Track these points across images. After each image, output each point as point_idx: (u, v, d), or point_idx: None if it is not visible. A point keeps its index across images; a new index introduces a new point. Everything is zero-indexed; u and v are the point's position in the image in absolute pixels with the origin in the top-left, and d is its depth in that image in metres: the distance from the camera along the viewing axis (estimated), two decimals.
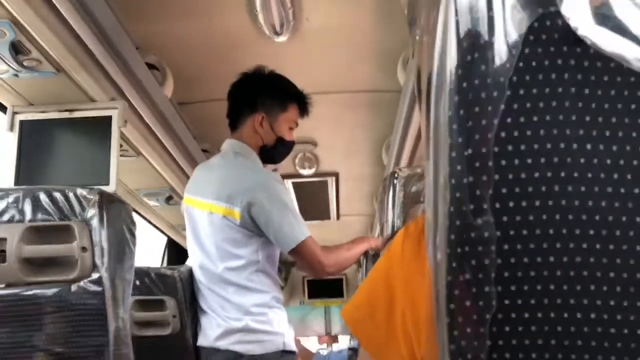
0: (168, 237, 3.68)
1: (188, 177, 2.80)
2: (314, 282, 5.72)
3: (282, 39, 2.20)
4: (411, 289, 0.62)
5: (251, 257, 1.86)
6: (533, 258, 0.46)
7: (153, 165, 2.54)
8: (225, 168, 1.95)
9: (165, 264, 3.73)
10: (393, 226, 1.35)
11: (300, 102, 2.06)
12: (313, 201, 3.92)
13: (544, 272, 0.46)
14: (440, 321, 0.47)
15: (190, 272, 1.97)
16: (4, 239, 1.25)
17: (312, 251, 1.87)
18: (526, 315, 0.46)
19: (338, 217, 4.32)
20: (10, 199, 1.29)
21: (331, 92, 2.69)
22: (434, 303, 0.48)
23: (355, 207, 4.24)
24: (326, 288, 5.74)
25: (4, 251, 1.24)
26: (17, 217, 1.29)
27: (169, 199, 3.01)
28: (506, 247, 0.46)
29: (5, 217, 1.29)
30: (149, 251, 3.71)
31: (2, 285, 1.27)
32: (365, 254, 2.00)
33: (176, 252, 3.72)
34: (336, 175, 3.69)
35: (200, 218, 1.93)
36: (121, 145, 2.08)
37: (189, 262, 2.04)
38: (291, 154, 3.32)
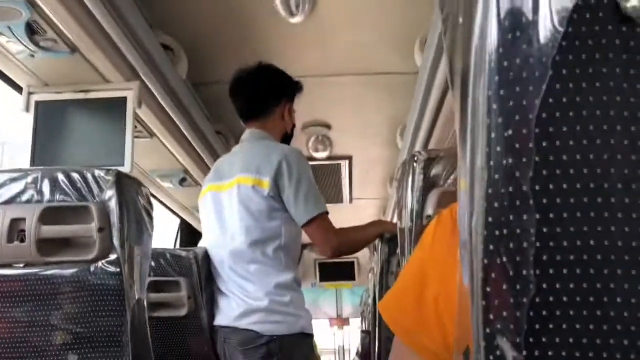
0: (181, 219, 3.70)
1: (202, 159, 2.81)
2: (326, 264, 5.73)
3: (297, 19, 2.18)
4: (444, 275, 0.62)
5: (275, 230, 1.89)
6: (573, 242, 0.45)
7: (167, 147, 2.54)
8: (250, 149, 2.01)
9: (177, 246, 3.75)
10: (412, 210, 1.35)
11: (298, 90, 2.13)
12: (326, 184, 3.91)
13: (583, 256, 0.45)
14: (476, 304, 0.46)
15: (205, 254, 1.98)
16: (23, 219, 1.25)
17: (326, 228, 1.91)
18: (564, 298, 0.45)
19: (351, 200, 4.32)
20: (29, 179, 1.30)
21: (346, 74, 2.67)
22: (470, 285, 0.47)
23: (368, 190, 4.23)
24: (338, 271, 5.75)
25: (23, 231, 1.25)
26: (35, 197, 1.29)
27: (182, 180, 3.02)
28: (545, 230, 0.44)
29: (24, 197, 1.29)
30: (162, 233, 3.73)
31: (21, 265, 1.28)
32: (381, 237, 2.00)
33: (189, 234, 3.74)
34: (349, 158, 3.68)
35: (227, 197, 1.95)
36: (135, 127, 2.08)
37: (202, 244, 2.05)
38: (304, 136, 3.33)
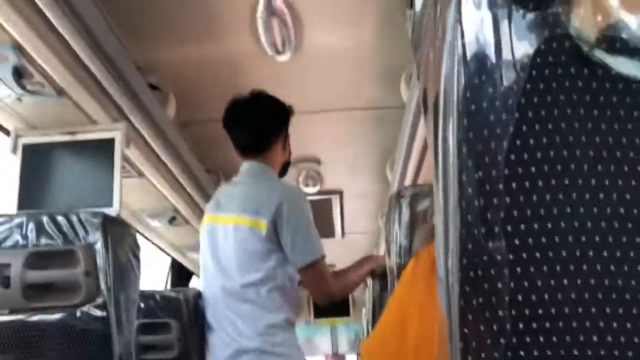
0: (172, 258, 3.67)
1: (191, 198, 2.80)
2: None
3: (284, 58, 2.21)
4: (425, 316, 0.61)
5: (270, 272, 1.86)
6: (546, 281, 0.45)
7: (156, 186, 2.53)
8: (251, 184, 1.97)
9: (169, 285, 3.71)
10: (400, 246, 1.34)
11: (291, 115, 2.10)
12: (317, 219, 3.89)
13: (557, 295, 0.45)
14: (454, 346, 0.46)
15: (196, 295, 1.96)
16: (8, 265, 1.24)
17: (322, 273, 1.88)
18: (541, 339, 0.45)
19: (343, 234, 4.30)
20: (14, 224, 1.29)
21: (334, 110, 2.69)
22: (447, 327, 0.47)
23: (360, 224, 4.22)
24: (332, 307, 5.69)
25: (8, 277, 1.23)
26: (21, 242, 1.28)
27: (172, 219, 3.00)
28: (519, 270, 0.45)
29: (9, 242, 1.28)
30: (152, 272, 3.69)
31: (6, 312, 1.26)
32: (372, 273, 1.99)
33: (180, 273, 3.71)
34: (340, 193, 3.68)
35: (223, 233, 1.93)
36: (124, 167, 2.08)
37: (200, 281, 2.03)
38: (295, 172, 3.33)
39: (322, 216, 3.91)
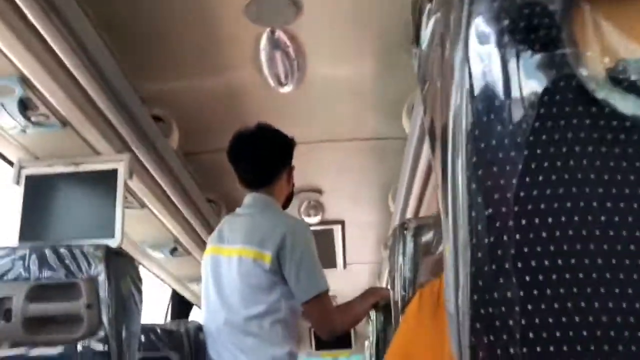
0: (173, 289, 3.64)
1: (193, 228, 2.80)
2: None
3: (287, 89, 2.23)
4: (432, 354, 0.61)
5: (274, 305, 1.86)
6: (558, 318, 0.44)
7: (158, 217, 2.53)
8: (256, 215, 1.98)
9: (169, 316, 3.67)
10: (404, 279, 1.34)
11: (294, 148, 2.12)
12: (319, 250, 3.88)
13: (569, 333, 0.45)
14: None
15: (197, 328, 1.94)
16: (10, 298, 1.23)
17: (326, 307, 1.88)
18: None
19: (345, 265, 4.28)
20: (16, 256, 1.29)
21: (336, 140, 2.70)
22: None
23: (362, 255, 4.20)
24: (334, 339, 5.61)
25: (9, 310, 1.23)
26: (23, 274, 1.27)
27: (173, 250, 2.99)
28: (530, 307, 0.44)
29: (11, 275, 1.28)
30: (152, 304, 3.66)
31: (7, 345, 1.25)
32: (376, 306, 1.98)
33: (180, 305, 3.68)
34: (342, 223, 3.68)
35: (226, 265, 1.93)
36: (126, 197, 2.08)
37: (201, 313, 2.01)
38: (296, 202, 3.33)
39: (324, 246, 3.90)
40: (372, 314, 2.02)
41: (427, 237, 1.34)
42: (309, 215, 3.42)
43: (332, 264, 4.19)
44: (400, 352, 0.70)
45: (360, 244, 4.01)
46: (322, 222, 3.54)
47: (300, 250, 1.85)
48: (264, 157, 2.02)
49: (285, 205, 2.10)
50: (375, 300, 1.99)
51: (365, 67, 2.21)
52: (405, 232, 1.36)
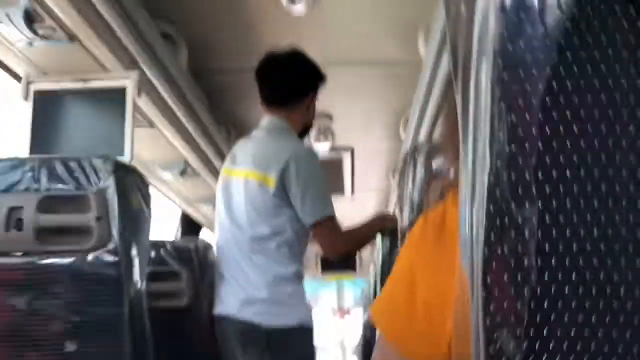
0: (182, 210, 3.69)
1: (202, 150, 2.80)
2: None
3: (299, 8, 2.16)
4: (434, 273, 0.61)
5: (280, 227, 1.88)
6: (576, 231, 0.43)
7: (167, 137, 2.53)
8: (266, 139, 1.99)
9: (179, 236, 3.74)
10: (412, 202, 1.33)
11: (323, 83, 2.10)
12: (327, 176, 3.88)
13: (586, 246, 0.44)
14: (476, 295, 0.45)
15: (206, 246, 1.97)
16: (21, 208, 1.24)
17: (331, 232, 1.91)
18: (566, 290, 0.44)
19: (352, 192, 4.30)
20: (27, 168, 1.29)
21: (349, 64, 2.65)
22: (469, 277, 0.46)
23: (370, 182, 4.21)
24: (339, 262, 5.75)
25: (20, 219, 1.24)
26: (33, 186, 1.28)
27: (183, 171, 3.00)
28: (547, 219, 0.43)
29: (22, 186, 1.28)
30: (162, 225, 3.72)
31: (19, 254, 1.27)
32: (383, 230, 2.00)
33: (189, 226, 3.73)
34: (352, 149, 3.66)
35: (235, 186, 1.95)
36: (135, 116, 2.07)
37: (215, 232, 2.04)
38: None
39: (332, 173, 3.90)
40: (379, 238, 2.04)
41: (439, 162, 1.32)
42: (318, 141, 3.40)
43: (340, 190, 4.21)
44: (403, 273, 0.71)
45: (369, 171, 4.01)
46: (331, 149, 3.53)
47: (304, 175, 1.86)
48: (289, 78, 2.02)
49: (302, 134, 2.10)
50: (383, 225, 2.01)
51: None
52: (416, 156, 1.34)
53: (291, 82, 2.02)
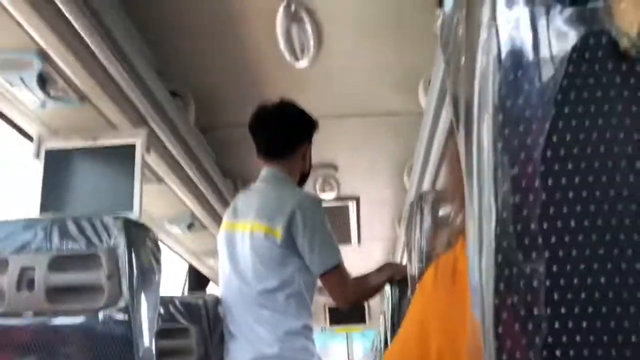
0: (189, 264, 3.68)
1: (209, 204, 2.82)
2: (336, 308, 5.66)
3: (302, 63, 2.22)
4: (448, 322, 0.61)
5: (287, 279, 1.87)
6: (583, 280, 0.44)
7: (175, 192, 2.55)
8: (268, 190, 1.99)
9: (186, 290, 3.72)
10: (421, 250, 1.34)
11: (316, 130, 2.11)
12: (334, 226, 3.87)
13: (595, 294, 0.44)
14: (488, 346, 0.45)
15: (215, 301, 1.96)
16: (32, 268, 1.25)
17: (341, 280, 1.89)
18: (577, 338, 0.44)
19: (359, 242, 4.29)
20: (39, 228, 1.30)
21: (352, 116, 2.69)
22: (481, 327, 0.47)
23: (376, 231, 4.21)
24: (348, 314, 5.68)
25: (32, 280, 1.25)
26: (45, 245, 1.29)
27: (190, 225, 3.01)
28: (555, 268, 0.44)
29: (34, 246, 1.29)
30: (170, 279, 3.71)
31: (30, 314, 1.27)
32: (392, 279, 1.99)
33: (197, 279, 3.72)
34: (357, 199, 3.68)
35: (240, 239, 1.94)
36: (143, 173, 2.10)
37: (219, 287, 2.03)
38: (312, 178, 3.33)
39: (339, 223, 3.90)
40: (388, 288, 2.03)
41: (445, 210, 1.33)
42: (324, 191, 3.42)
43: (346, 240, 4.20)
44: (416, 321, 0.71)
45: (374, 220, 4.01)
46: (337, 199, 3.54)
47: (311, 223, 1.86)
48: (283, 129, 2.03)
49: (301, 183, 2.10)
50: (392, 274, 1.99)
51: (381, 42, 2.19)
52: (422, 204, 1.35)
53: (284, 133, 2.03)
